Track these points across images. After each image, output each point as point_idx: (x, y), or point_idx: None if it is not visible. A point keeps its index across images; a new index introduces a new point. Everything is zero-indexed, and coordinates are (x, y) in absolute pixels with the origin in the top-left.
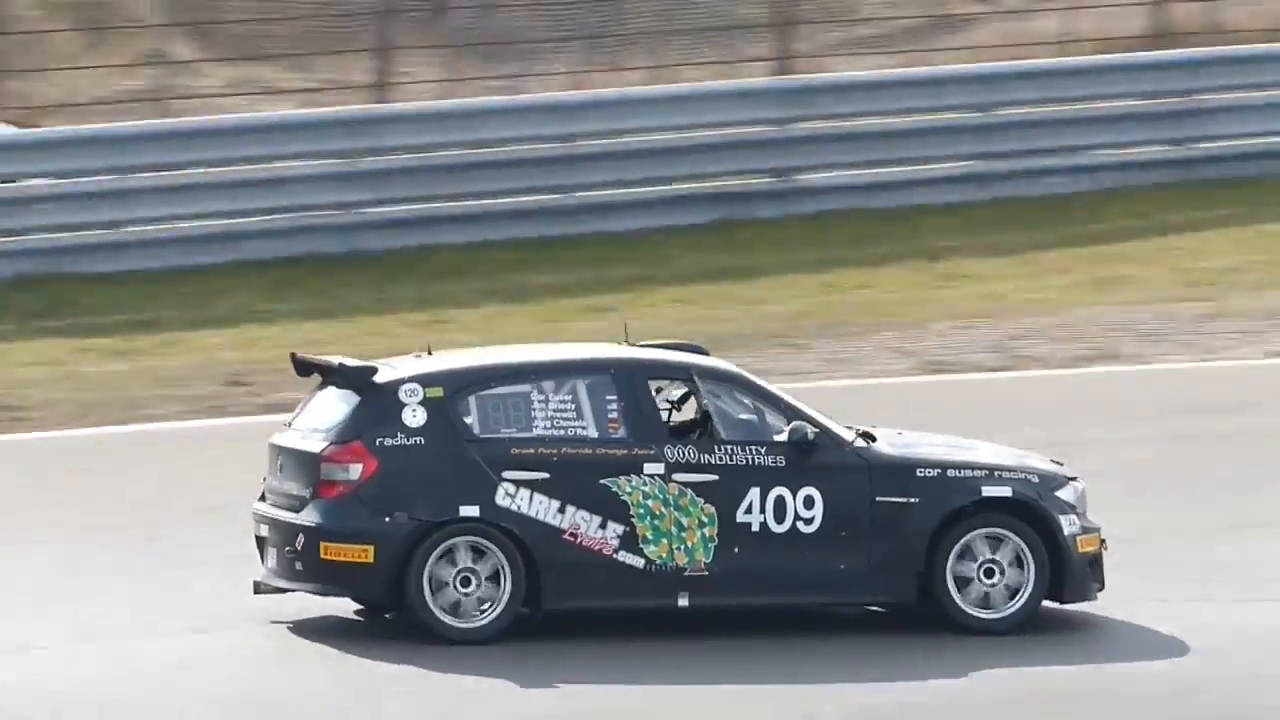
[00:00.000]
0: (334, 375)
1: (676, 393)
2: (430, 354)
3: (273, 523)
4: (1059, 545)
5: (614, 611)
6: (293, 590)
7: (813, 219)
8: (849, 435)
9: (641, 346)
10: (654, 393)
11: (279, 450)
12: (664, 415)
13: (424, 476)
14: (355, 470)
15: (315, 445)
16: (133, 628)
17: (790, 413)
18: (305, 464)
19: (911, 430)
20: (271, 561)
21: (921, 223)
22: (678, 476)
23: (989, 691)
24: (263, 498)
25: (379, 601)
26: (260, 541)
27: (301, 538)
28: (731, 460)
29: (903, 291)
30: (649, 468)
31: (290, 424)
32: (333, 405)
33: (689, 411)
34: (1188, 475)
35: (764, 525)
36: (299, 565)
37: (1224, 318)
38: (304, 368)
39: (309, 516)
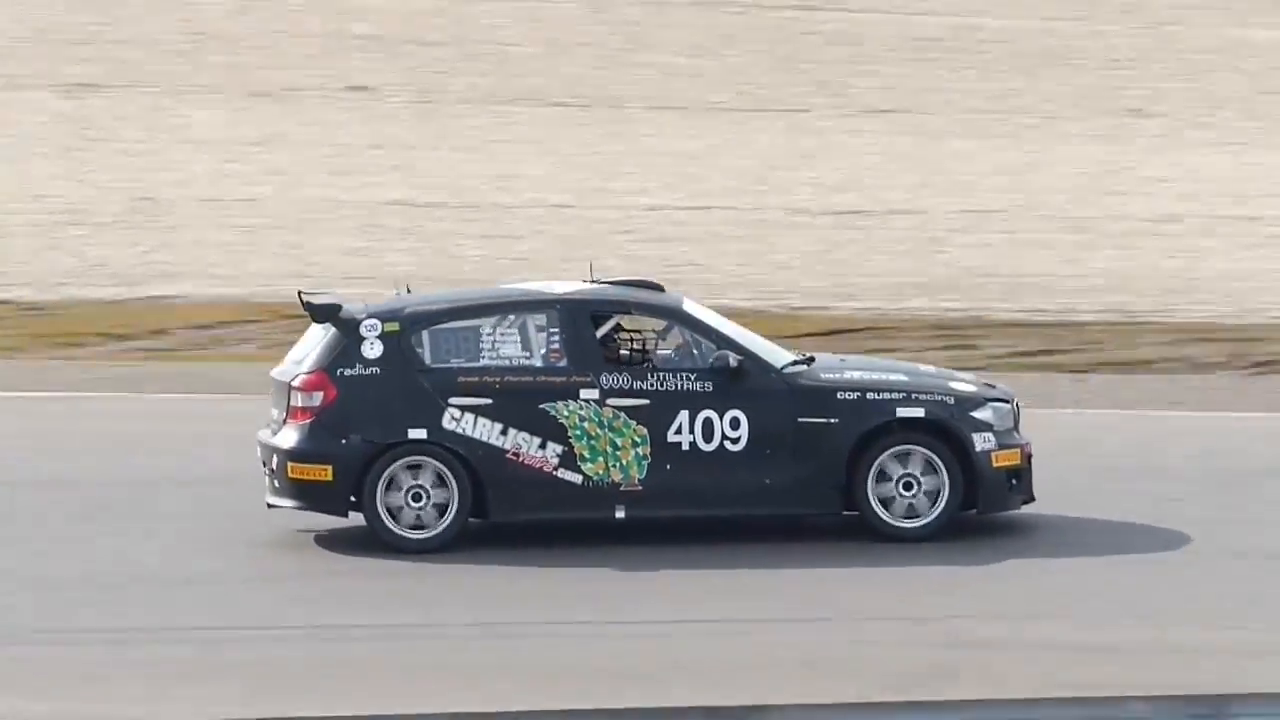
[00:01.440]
0: (309, 313)
1: (658, 326)
2: (409, 291)
3: (263, 445)
4: (971, 461)
5: (556, 522)
6: (283, 506)
7: None
8: (781, 361)
9: (602, 283)
10: (594, 326)
11: (272, 381)
12: (613, 347)
13: (378, 403)
14: (318, 397)
15: (289, 376)
16: None
17: (722, 342)
18: (282, 393)
19: (858, 355)
20: (267, 480)
21: None
22: (611, 401)
23: None
24: (268, 425)
25: (340, 515)
26: (263, 464)
27: (275, 458)
28: (662, 386)
29: None
30: (585, 393)
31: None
32: (311, 340)
33: (632, 343)
34: None
35: (693, 444)
36: (277, 483)
37: None
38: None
39: (281, 440)
